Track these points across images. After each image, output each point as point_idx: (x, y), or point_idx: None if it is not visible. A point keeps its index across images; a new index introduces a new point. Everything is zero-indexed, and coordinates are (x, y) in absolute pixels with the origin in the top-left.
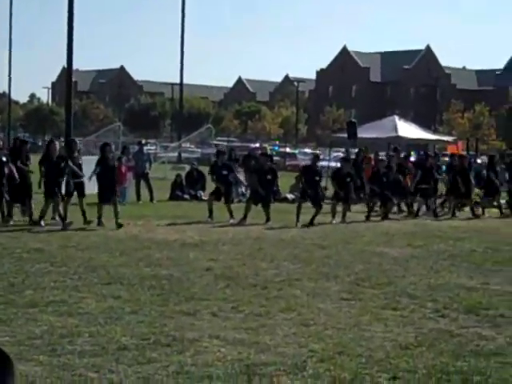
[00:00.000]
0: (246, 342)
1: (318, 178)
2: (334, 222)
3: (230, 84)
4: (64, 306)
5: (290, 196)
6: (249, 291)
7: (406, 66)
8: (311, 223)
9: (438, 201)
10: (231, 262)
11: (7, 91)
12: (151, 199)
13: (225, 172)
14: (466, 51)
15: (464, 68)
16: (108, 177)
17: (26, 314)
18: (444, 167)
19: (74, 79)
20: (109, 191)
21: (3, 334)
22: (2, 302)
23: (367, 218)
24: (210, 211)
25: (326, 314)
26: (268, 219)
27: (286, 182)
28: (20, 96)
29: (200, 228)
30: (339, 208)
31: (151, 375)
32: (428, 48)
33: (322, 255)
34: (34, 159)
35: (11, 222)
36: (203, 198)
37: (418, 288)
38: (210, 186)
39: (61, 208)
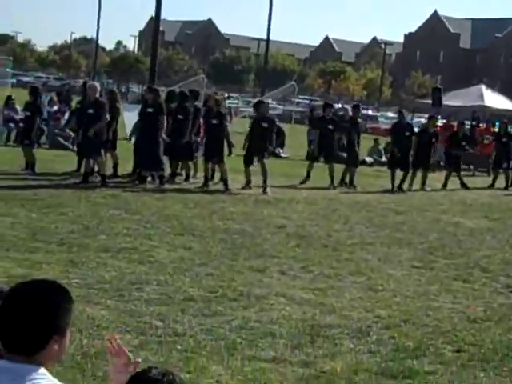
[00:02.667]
0: (312, 303)
1: (408, 134)
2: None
3: (317, 42)
4: (135, 254)
5: (368, 159)
6: (320, 252)
7: (497, 35)
8: (400, 188)
9: None
10: (304, 222)
11: (95, 37)
12: (230, 153)
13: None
14: None
15: None
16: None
17: (97, 258)
18: None
19: (161, 29)
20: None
21: (74, 276)
22: (75, 245)
23: (444, 185)
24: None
25: (396, 280)
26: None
27: (365, 144)
28: (107, 43)
29: (276, 185)
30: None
31: (215, 328)
32: None
33: (396, 221)
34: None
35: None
36: (282, 155)
37: (492, 262)
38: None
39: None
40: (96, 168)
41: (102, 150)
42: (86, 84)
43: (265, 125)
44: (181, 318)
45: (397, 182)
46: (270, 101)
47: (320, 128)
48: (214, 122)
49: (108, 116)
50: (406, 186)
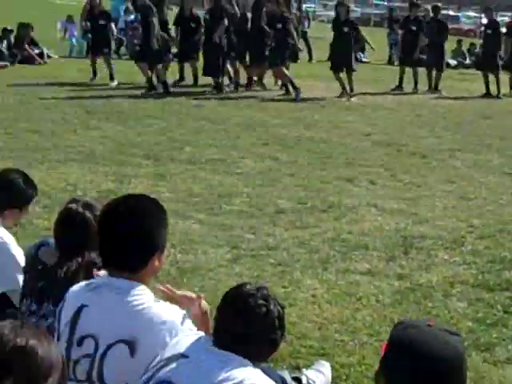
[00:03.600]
0: (403, 213)
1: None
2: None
3: None
4: (222, 165)
5: (452, 61)
6: (408, 159)
7: None
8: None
9: None
10: (390, 129)
11: None
12: (310, 59)
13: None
14: None
15: None
16: None
17: (185, 170)
18: None
19: None
20: None
21: (164, 189)
22: (162, 158)
23: None
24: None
25: (488, 187)
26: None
27: (448, 46)
28: None
29: (359, 91)
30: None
31: (307, 241)
32: None
33: (485, 126)
34: None
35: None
36: (363, 59)
37: None
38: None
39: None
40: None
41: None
42: None
43: (345, 29)
44: (272, 231)
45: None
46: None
47: (403, 29)
48: (278, 26)
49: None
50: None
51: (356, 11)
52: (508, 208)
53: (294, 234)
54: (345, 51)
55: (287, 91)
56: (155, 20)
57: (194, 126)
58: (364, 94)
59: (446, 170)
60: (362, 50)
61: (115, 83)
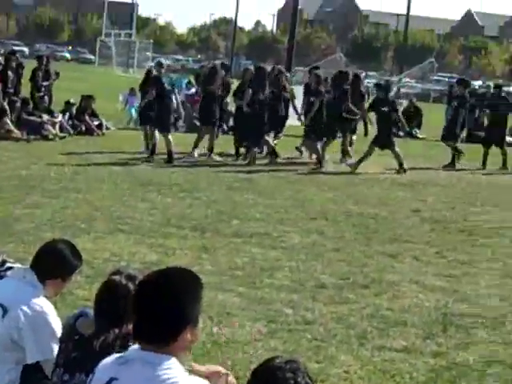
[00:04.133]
0: (445, 290)
1: None
2: None
3: (458, 17)
4: (268, 239)
5: (509, 139)
6: (455, 236)
7: None
8: None
9: None
10: (440, 205)
11: (234, 17)
12: (366, 133)
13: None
14: None
15: None
16: None
17: (230, 243)
18: None
19: (299, 7)
20: None
21: (206, 262)
22: (209, 230)
23: None
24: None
25: None
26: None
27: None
28: (245, 23)
29: (412, 166)
30: None
31: (345, 316)
32: None
33: None
34: None
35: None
36: (418, 135)
37: None
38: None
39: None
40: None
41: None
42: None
43: (384, 109)
44: (311, 306)
45: None
46: (407, 79)
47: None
48: (312, 99)
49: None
50: None
51: (416, 87)
52: None
53: (333, 309)
54: (382, 130)
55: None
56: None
57: (243, 199)
58: (418, 169)
59: (493, 247)
60: (418, 125)
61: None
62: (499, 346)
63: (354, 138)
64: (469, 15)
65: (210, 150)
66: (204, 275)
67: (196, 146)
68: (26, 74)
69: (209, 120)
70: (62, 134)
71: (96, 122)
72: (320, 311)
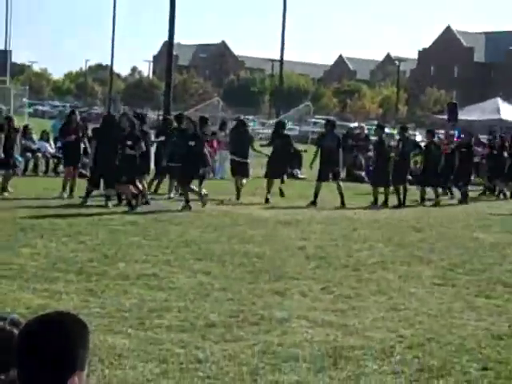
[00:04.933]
0: (334, 324)
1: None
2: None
3: (331, 62)
4: (155, 280)
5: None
6: (340, 272)
7: None
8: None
9: None
10: (324, 242)
11: (110, 64)
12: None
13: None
14: None
15: None
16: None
17: (117, 285)
18: None
19: (174, 53)
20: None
21: (94, 305)
22: (95, 273)
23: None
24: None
25: (418, 299)
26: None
27: None
28: (122, 69)
29: (293, 206)
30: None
31: (237, 353)
32: None
33: (416, 238)
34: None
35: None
36: (299, 176)
37: None
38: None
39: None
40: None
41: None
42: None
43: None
44: (202, 345)
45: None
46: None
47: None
48: (190, 143)
49: None
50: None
51: (295, 129)
52: (437, 318)
53: (224, 347)
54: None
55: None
56: None
57: (128, 241)
58: (300, 208)
59: (378, 281)
60: (299, 166)
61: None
62: (388, 376)
63: (244, 181)
64: (341, 60)
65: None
66: (92, 318)
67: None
68: None
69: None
70: None
71: None
72: (211, 349)
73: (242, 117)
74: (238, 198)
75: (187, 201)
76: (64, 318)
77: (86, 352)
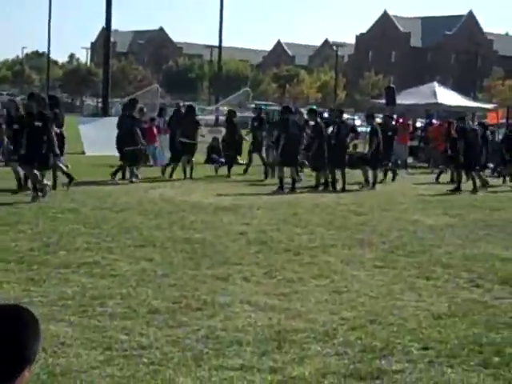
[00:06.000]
0: (277, 308)
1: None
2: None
3: (269, 47)
4: (96, 268)
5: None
6: (282, 257)
7: (448, 32)
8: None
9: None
10: (265, 227)
11: (47, 51)
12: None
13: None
14: (508, 16)
15: (507, 34)
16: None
17: (58, 274)
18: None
19: (112, 40)
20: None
21: (36, 294)
22: (36, 262)
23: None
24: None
25: (359, 281)
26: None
27: None
28: (59, 56)
29: (235, 192)
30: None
31: (181, 339)
32: (470, 13)
33: (356, 222)
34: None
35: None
36: (239, 161)
37: (453, 258)
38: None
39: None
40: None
41: None
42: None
43: None
44: (146, 331)
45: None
46: (225, 108)
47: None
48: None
49: None
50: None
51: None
52: (378, 300)
53: (168, 333)
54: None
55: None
56: None
57: (68, 229)
58: (241, 194)
59: (320, 265)
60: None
61: None
62: (332, 357)
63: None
64: (279, 46)
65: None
66: (34, 307)
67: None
68: None
69: None
70: None
71: None
72: (155, 336)
73: (181, 103)
74: (185, 178)
75: (35, 188)
76: (19, 311)
77: (38, 346)
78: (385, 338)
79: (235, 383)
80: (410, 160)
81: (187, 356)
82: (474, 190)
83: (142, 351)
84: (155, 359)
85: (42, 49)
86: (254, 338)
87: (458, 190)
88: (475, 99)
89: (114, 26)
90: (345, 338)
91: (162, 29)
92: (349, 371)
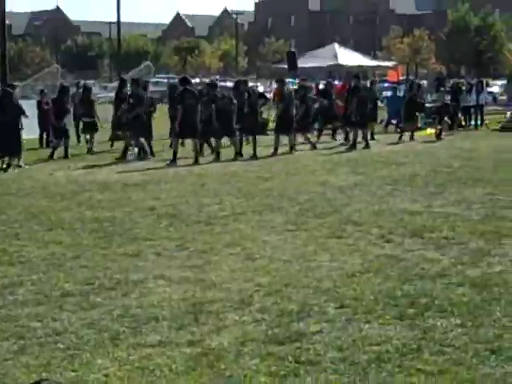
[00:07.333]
0: (191, 280)
1: None
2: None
3: (168, 20)
4: (4, 256)
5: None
6: (193, 228)
7: None
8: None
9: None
10: (174, 200)
11: None
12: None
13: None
14: None
15: None
16: None
17: None
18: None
19: (7, 22)
20: None
21: None
22: None
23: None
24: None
25: (272, 246)
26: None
27: None
28: None
29: (142, 168)
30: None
31: (96, 320)
32: None
33: (265, 187)
34: None
35: None
36: None
37: (363, 215)
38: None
39: None
40: None
41: None
42: None
43: None
44: (59, 316)
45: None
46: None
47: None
48: None
49: None
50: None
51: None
52: (292, 263)
53: (82, 316)
54: None
55: None
56: None
57: None
58: (149, 169)
59: (231, 233)
60: None
61: None
62: (250, 325)
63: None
64: (178, 18)
65: None
66: None
67: None
68: None
69: None
70: None
71: None
72: (69, 320)
73: (82, 82)
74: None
75: None
76: None
77: None
78: (301, 300)
79: (154, 360)
80: None
81: (104, 337)
82: (366, 146)
83: (57, 337)
84: (71, 344)
85: None
86: (170, 313)
87: (353, 147)
88: (375, 58)
89: (8, 8)
90: (261, 305)
91: (58, 8)
92: (267, 337)
